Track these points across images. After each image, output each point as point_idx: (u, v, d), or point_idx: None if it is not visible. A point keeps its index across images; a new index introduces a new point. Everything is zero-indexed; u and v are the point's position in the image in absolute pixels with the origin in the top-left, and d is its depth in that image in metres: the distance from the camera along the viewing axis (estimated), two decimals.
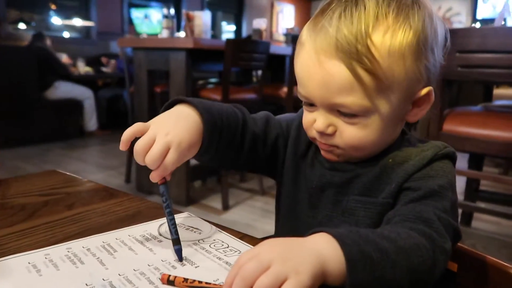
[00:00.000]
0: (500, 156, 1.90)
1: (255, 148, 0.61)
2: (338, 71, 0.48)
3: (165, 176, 0.50)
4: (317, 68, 0.50)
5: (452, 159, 0.55)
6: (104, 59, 5.00)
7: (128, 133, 0.50)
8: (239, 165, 0.63)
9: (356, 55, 0.47)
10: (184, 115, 0.53)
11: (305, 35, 0.53)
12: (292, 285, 0.35)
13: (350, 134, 0.52)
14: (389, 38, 0.48)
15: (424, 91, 0.53)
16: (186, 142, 0.50)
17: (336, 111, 0.52)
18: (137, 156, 0.49)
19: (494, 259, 0.56)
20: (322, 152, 0.57)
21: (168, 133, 0.49)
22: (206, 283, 0.42)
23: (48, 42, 4.32)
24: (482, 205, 2.01)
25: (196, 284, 0.42)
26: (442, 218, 0.47)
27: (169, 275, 0.42)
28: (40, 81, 4.05)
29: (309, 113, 0.55)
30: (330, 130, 0.53)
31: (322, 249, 0.39)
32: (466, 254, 0.59)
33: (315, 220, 0.59)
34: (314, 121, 0.54)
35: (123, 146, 0.50)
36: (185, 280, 0.42)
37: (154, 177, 0.50)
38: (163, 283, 0.42)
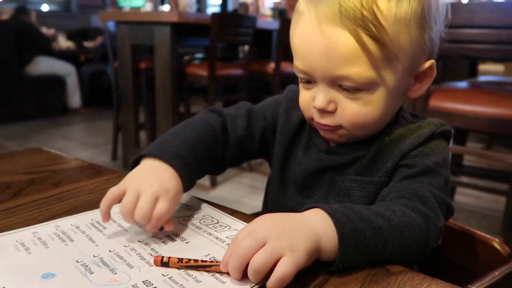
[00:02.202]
0: (485, 131, 1.94)
1: (242, 149, 0.60)
2: (343, 39, 0.46)
3: (163, 226, 0.46)
4: (319, 37, 0.47)
5: (448, 137, 0.54)
6: (99, 39, 4.84)
7: (105, 204, 0.46)
8: (231, 166, 0.62)
9: (361, 21, 0.45)
10: (158, 168, 0.49)
11: (303, 4, 0.50)
12: (287, 262, 0.35)
13: (352, 111, 0.50)
14: (394, 5, 0.46)
15: (427, 64, 0.51)
16: (173, 189, 0.47)
17: (337, 86, 0.49)
18: (126, 217, 0.45)
19: (478, 231, 0.58)
20: (322, 133, 0.55)
21: (152, 185, 0.46)
22: (202, 261, 0.40)
23: (33, 16, 4.16)
24: (464, 179, 2.05)
25: (192, 263, 0.40)
26: (437, 195, 0.48)
27: (162, 257, 0.40)
28: (19, 57, 3.92)
29: (307, 91, 0.53)
30: (331, 107, 0.50)
31: (317, 225, 0.39)
32: (450, 227, 0.61)
33: (309, 200, 0.58)
34: (313, 99, 0.51)
35: (104, 218, 0.47)
36: (180, 260, 0.40)
37: (150, 231, 0.46)
38: (156, 265, 0.40)
